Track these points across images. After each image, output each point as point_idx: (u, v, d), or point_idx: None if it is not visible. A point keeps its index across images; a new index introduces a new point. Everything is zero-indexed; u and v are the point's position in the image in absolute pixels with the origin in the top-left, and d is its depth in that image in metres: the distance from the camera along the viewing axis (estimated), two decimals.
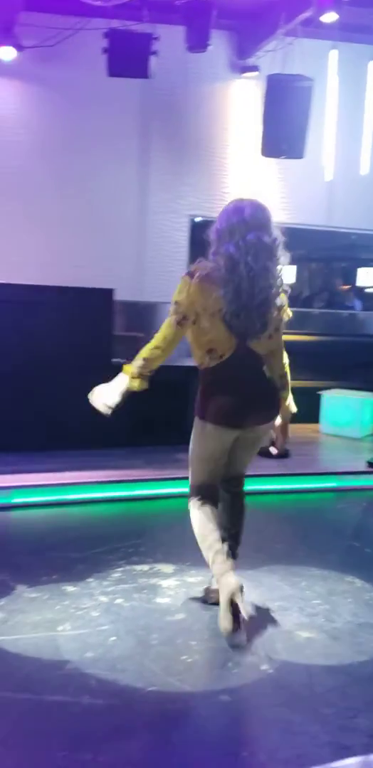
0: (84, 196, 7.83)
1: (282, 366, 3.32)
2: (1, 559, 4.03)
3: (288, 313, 3.23)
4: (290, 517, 5.34)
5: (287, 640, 3.21)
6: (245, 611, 3.04)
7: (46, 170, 7.71)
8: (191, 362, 7.75)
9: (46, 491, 5.13)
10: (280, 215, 8.47)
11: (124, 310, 7.82)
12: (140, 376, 3.20)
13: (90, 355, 5.96)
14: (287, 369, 3.35)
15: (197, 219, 8.27)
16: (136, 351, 6.68)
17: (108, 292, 6.46)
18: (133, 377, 3.22)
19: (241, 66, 8.26)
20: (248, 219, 3.03)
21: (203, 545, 3.28)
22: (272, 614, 3.45)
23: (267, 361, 3.24)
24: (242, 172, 8.35)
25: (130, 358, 6.28)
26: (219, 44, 7.78)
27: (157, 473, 5.62)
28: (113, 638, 3.16)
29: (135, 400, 6.53)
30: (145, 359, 3.19)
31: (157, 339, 3.17)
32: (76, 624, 3.27)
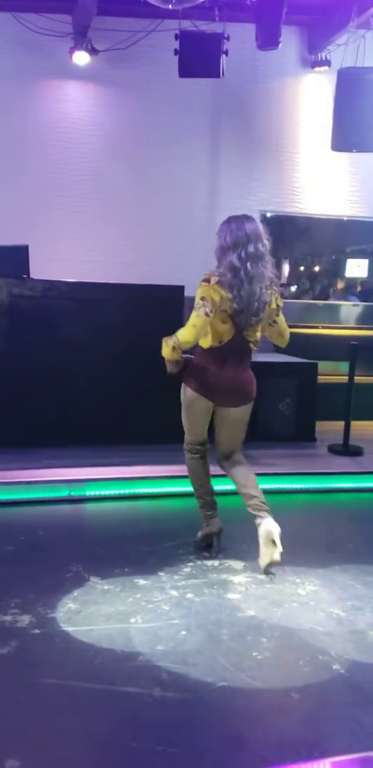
0: (155, 194, 7.93)
1: (284, 342, 4.08)
2: (76, 550, 4.13)
3: (278, 302, 3.92)
4: (362, 516, 5.25)
5: (360, 640, 3.17)
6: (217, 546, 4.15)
7: (118, 170, 7.86)
8: (261, 358, 7.78)
9: (118, 484, 5.22)
10: (351, 209, 8.39)
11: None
12: (174, 350, 3.89)
13: (160, 351, 6.01)
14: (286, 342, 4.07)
15: (268, 214, 8.22)
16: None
17: (179, 289, 6.51)
18: (173, 349, 3.89)
19: (312, 60, 8.19)
20: (249, 233, 3.74)
21: (194, 493, 4.29)
22: (345, 613, 3.41)
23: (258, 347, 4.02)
24: (313, 166, 8.26)
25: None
26: (289, 39, 7.75)
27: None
28: (184, 632, 3.19)
29: None
30: (178, 341, 3.86)
31: (188, 328, 3.81)
32: (148, 617, 3.32)
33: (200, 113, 8.07)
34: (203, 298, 3.75)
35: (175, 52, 6.75)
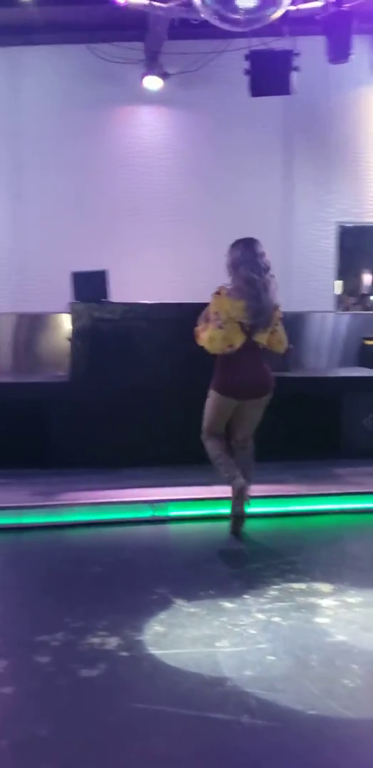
0: (230, 212, 7.95)
1: (283, 349, 4.69)
2: (161, 571, 4.14)
3: (279, 313, 4.56)
4: None
5: None
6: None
7: (192, 190, 7.93)
8: (343, 372, 7.63)
9: (200, 504, 5.20)
10: None
11: None
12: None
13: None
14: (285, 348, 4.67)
15: (347, 225, 8.08)
16: (284, 362, 6.62)
17: None
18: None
19: None
20: (256, 250, 4.45)
21: (216, 462, 4.63)
22: None
23: (268, 349, 4.57)
24: None
25: (277, 370, 6.29)
26: (361, 49, 7.66)
27: (311, 488, 5.52)
28: (272, 657, 3.14)
29: (287, 414, 6.54)
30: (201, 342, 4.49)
31: (208, 336, 4.43)
32: (235, 641, 3.28)
33: (272, 129, 8.05)
34: (215, 313, 4.39)
35: (246, 72, 6.76)
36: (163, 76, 7.48)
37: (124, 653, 3.15)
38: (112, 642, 3.24)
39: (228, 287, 4.41)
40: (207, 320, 4.50)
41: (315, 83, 7.62)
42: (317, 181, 8.08)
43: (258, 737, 2.58)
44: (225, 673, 2.99)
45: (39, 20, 6.91)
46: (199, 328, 4.57)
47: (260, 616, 3.54)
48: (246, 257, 4.39)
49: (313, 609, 3.62)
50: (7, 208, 7.79)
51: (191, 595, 3.75)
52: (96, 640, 3.25)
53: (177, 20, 6.68)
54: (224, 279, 7.70)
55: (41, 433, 6.16)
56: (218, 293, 4.42)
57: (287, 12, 6.23)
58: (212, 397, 4.60)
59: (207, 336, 4.44)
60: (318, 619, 3.52)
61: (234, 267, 4.44)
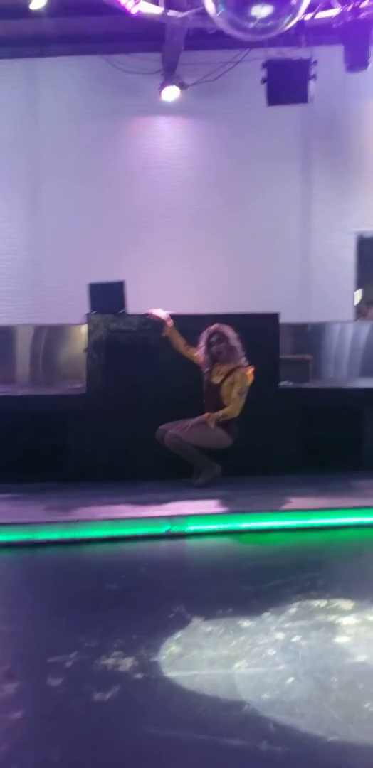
0: (248, 222, 7.90)
1: None
2: (178, 588, 4.06)
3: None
4: None
5: None
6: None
7: (210, 200, 7.89)
8: (364, 383, 7.50)
9: (219, 519, 5.12)
10: None
11: (290, 333, 7.73)
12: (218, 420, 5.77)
13: (256, 380, 5.91)
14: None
15: (366, 235, 7.97)
16: (304, 374, 6.53)
17: (274, 317, 6.39)
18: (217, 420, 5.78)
19: None
20: None
21: (198, 456, 5.83)
22: None
23: None
24: None
25: (296, 382, 6.15)
26: None
27: (332, 502, 5.41)
28: (291, 679, 3.03)
29: (307, 426, 6.44)
30: (225, 415, 5.75)
31: (236, 410, 5.79)
32: (253, 662, 3.19)
33: (290, 139, 8.00)
34: (246, 387, 5.76)
35: (263, 81, 6.70)
36: (181, 86, 7.45)
37: (139, 675, 3.07)
38: (127, 663, 3.16)
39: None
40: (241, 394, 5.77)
41: (333, 92, 7.55)
42: (335, 191, 8.00)
43: (277, 765, 2.48)
44: (242, 696, 2.89)
45: (55, 31, 6.92)
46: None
47: (279, 635, 3.44)
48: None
49: (333, 628, 3.52)
50: (24, 220, 7.80)
51: (208, 614, 3.66)
52: (110, 661, 3.18)
53: (193, 30, 6.65)
54: (245, 291, 7.75)
55: (57, 446, 6.13)
56: (246, 368, 5.79)
57: (303, 21, 6.17)
58: (220, 435, 5.76)
59: (236, 407, 5.76)
60: (339, 639, 3.41)
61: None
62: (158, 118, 7.95)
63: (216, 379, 5.85)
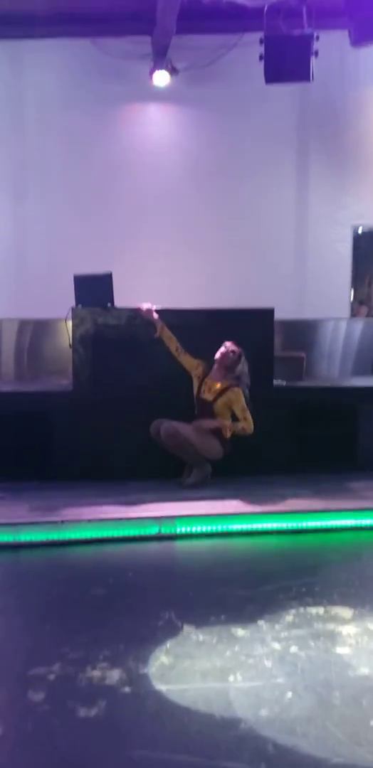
0: (240, 214, 7.70)
1: None
2: (168, 594, 3.88)
3: None
4: None
5: None
6: None
7: (200, 191, 7.68)
8: (359, 382, 7.33)
9: (210, 520, 4.93)
10: None
11: (285, 329, 7.54)
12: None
13: (250, 377, 5.73)
14: None
15: (360, 230, 7.81)
16: (298, 372, 6.33)
17: (268, 313, 6.20)
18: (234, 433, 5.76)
19: None
20: None
21: (189, 448, 5.69)
22: None
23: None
24: None
25: (291, 381, 5.97)
26: None
27: (327, 503, 5.23)
28: (290, 694, 2.84)
29: (299, 424, 6.25)
30: (245, 430, 5.67)
31: (250, 423, 5.66)
32: (249, 674, 2.99)
33: (285, 128, 7.78)
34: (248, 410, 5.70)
35: (261, 57, 6.34)
36: (172, 71, 7.23)
37: (127, 689, 2.86)
38: (114, 675, 2.95)
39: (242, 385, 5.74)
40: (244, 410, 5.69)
41: (331, 79, 7.34)
42: (332, 182, 7.81)
43: None
44: (239, 714, 2.69)
45: (41, 11, 6.64)
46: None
47: (275, 645, 3.25)
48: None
49: (333, 637, 3.33)
50: (8, 209, 7.52)
51: (200, 621, 3.47)
52: (96, 674, 2.96)
53: (187, 4, 6.25)
54: (237, 285, 7.54)
55: (42, 443, 5.91)
56: (240, 388, 5.71)
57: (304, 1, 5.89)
58: (216, 446, 5.70)
59: (250, 420, 5.65)
60: (339, 650, 3.23)
61: (245, 372, 5.77)
62: (148, 105, 7.70)
63: (208, 396, 5.70)
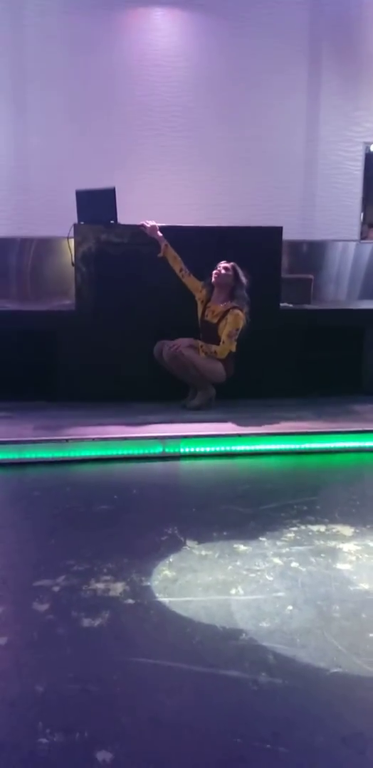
0: (249, 129, 7.44)
1: None
2: (171, 511, 3.92)
3: None
4: None
5: None
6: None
7: (208, 103, 7.40)
8: (366, 305, 7.23)
9: (213, 441, 4.94)
10: None
11: (292, 250, 7.40)
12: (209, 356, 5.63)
13: (256, 299, 5.64)
14: None
15: None
16: (305, 294, 6.25)
17: (276, 231, 6.06)
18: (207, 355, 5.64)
19: None
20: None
21: (188, 372, 5.67)
22: None
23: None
24: None
25: (298, 304, 5.91)
26: None
27: (330, 425, 5.23)
28: (290, 607, 2.89)
29: (305, 347, 6.20)
30: (216, 352, 5.57)
31: (226, 352, 5.58)
32: (250, 588, 3.04)
33: (297, 37, 7.42)
34: (237, 329, 5.52)
35: None
36: None
37: (130, 600, 2.91)
38: (118, 588, 3.01)
39: (244, 306, 5.58)
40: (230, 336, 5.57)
41: None
42: (344, 96, 7.50)
43: (276, 699, 2.34)
44: (240, 625, 2.75)
45: None
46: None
47: (277, 560, 3.29)
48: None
49: (333, 554, 3.38)
50: (8, 124, 7.25)
51: (202, 537, 3.52)
52: (100, 586, 3.02)
53: None
54: (244, 203, 7.35)
55: (46, 363, 5.88)
56: (240, 309, 5.54)
57: None
58: (218, 368, 5.61)
59: (226, 348, 5.57)
60: (340, 565, 3.27)
61: (244, 288, 5.59)
62: (153, 10, 7.31)
63: (212, 319, 5.63)
